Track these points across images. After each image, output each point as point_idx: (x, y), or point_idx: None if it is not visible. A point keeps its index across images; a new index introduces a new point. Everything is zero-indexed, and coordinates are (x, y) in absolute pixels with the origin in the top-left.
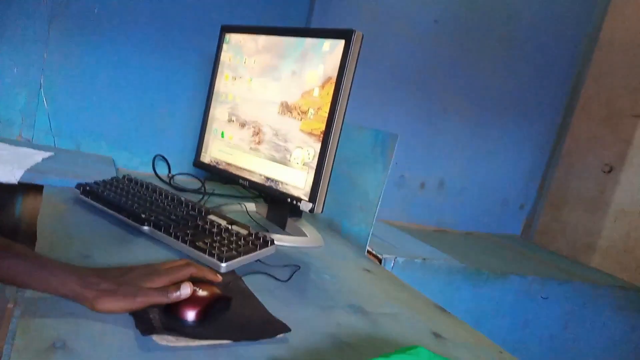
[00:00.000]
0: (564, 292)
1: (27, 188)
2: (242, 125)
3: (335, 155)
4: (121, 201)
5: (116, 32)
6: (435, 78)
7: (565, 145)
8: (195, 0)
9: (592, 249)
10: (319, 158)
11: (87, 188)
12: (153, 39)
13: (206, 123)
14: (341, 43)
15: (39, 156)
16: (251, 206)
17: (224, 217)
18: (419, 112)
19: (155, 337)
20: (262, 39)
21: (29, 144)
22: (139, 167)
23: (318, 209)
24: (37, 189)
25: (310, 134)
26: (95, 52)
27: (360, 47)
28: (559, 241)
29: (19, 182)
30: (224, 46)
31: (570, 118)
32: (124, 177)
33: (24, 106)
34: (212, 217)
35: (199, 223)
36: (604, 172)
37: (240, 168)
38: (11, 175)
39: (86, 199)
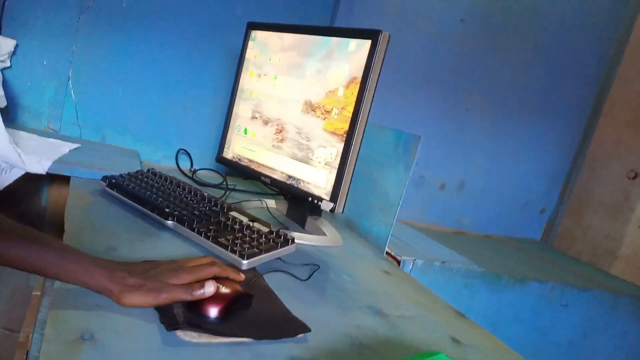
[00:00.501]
0: (584, 299)
1: (53, 178)
2: (266, 122)
3: (357, 156)
4: (146, 195)
5: (143, 26)
6: (458, 78)
7: (590, 149)
8: None
9: (613, 256)
10: (341, 158)
11: (113, 181)
12: (179, 34)
13: (230, 119)
14: (367, 43)
15: (66, 148)
16: (271, 203)
17: (245, 214)
18: (441, 111)
19: (179, 333)
20: (288, 37)
21: (56, 134)
22: (162, 161)
23: (339, 209)
24: (63, 178)
25: (334, 133)
26: (122, 45)
27: (386, 47)
28: (580, 247)
29: (46, 173)
30: (250, 43)
31: (596, 121)
32: (148, 170)
33: (53, 98)
34: (233, 213)
35: (221, 219)
36: (629, 178)
37: (262, 165)
38: (39, 166)
39: (112, 191)
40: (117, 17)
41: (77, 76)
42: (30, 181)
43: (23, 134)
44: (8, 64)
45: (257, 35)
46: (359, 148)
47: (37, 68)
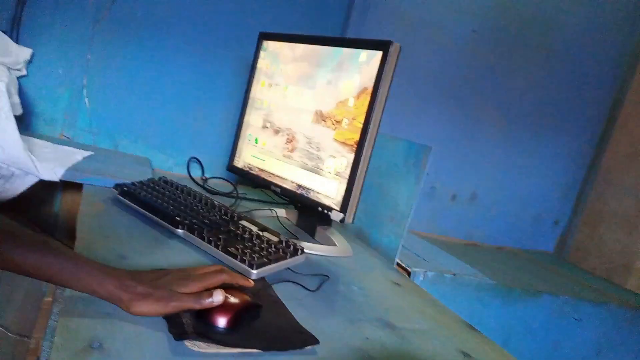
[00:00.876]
0: (598, 314)
1: (66, 185)
2: (276, 132)
3: (368, 166)
4: (157, 203)
5: (157, 36)
6: (471, 88)
7: (604, 160)
8: (233, 6)
9: (629, 270)
10: (352, 168)
11: (125, 189)
12: (192, 44)
13: (241, 128)
14: (378, 54)
15: (79, 155)
16: (281, 212)
17: (255, 223)
18: (453, 122)
19: (187, 343)
20: (299, 47)
21: (70, 142)
22: (173, 169)
23: (349, 220)
24: (75, 186)
25: (344, 143)
26: (136, 54)
27: (397, 58)
28: (594, 260)
29: (59, 180)
30: (261, 53)
31: (611, 133)
32: (160, 178)
33: (67, 105)
34: (243, 222)
35: (231, 228)
36: None
37: (273, 174)
38: (53, 173)
39: (124, 199)
40: (132, 26)
41: (92, 84)
42: (43, 188)
43: (37, 141)
44: (24, 72)
45: (269, 45)
46: (370, 158)
47: (53, 76)
